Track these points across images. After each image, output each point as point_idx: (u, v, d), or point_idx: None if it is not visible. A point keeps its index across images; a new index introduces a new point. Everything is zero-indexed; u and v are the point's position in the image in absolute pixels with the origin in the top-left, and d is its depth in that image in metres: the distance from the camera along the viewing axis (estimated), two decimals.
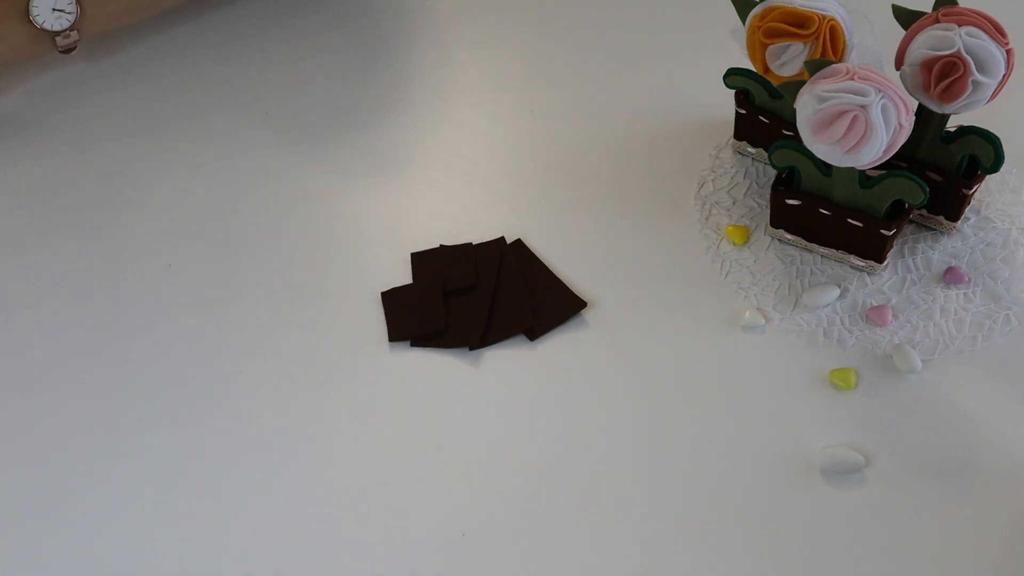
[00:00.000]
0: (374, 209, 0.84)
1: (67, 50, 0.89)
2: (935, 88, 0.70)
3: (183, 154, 0.89)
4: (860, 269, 0.78)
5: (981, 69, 0.69)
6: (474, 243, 0.81)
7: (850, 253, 0.77)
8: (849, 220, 0.74)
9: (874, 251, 0.76)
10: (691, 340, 0.75)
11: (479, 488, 0.68)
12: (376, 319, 0.77)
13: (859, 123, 0.66)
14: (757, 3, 0.74)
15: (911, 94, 0.71)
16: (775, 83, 0.75)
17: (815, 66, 0.68)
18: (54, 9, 0.86)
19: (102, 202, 0.86)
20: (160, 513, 0.68)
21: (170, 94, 0.94)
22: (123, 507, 0.68)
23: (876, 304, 0.76)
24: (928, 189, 0.70)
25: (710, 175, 0.85)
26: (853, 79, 0.66)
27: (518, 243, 0.81)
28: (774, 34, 0.72)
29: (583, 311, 0.77)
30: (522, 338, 0.76)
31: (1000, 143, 0.73)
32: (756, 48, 0.74)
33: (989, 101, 0.71)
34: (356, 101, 0.93)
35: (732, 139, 0.86)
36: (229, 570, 0.65)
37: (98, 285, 0.80)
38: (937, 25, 0.70)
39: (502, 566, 0.65)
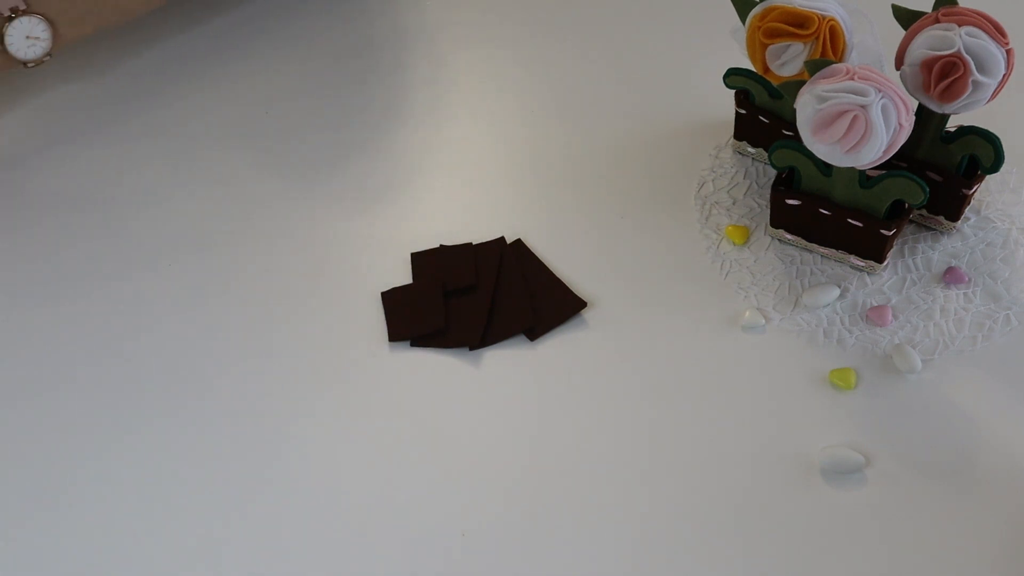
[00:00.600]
0: (374, 209, 0.84)
1: (37, 64, 0.87)
2: (935, 88, 0.70)
3: (183, 154, 0.89)
4: (860, 269, 0.78)
5: (981, 69, 0.69)
6: (474, 243, 0.81)
7: (850, 253, 0.77)
8: (849, 220, 0.74)
9: (874, 251, 0.76)
10: (691, 340, 0.75)
11: (479, 488, 0.68)
12: (376, 319, 0.77)
13: (859, 123, 0.66)
14: (757, 3, 0.74)
15: (911, 94, 0.71)
16: (775, 83, 0.75)
17: (815, 66, 0.68)
18: (27, 37, 0.84)
19: (102, 203, 0.86)
20: (160, 512, 0.68)
21: (172, 97, 0.94)
22: (123, 507, 0.68)
23: (876, 304, 0.76)
24: (928, 189, 0.70)
25: (710, 175, 0.85)
26: (853, 79, 0.66)
27: (518, 243, 0.81)
28: (774, 34, 0.72)
29: (583, 311, 0.77)
30: (522, 338, 0.76)
31: (1000, 143, 0.73)
32: (756, 48, 0.73)
33: (989, 101, 0.71)
34: (357, 102, 0.93)
35: (732, 139, 0.86)
36: (229, 569, 0.65)
37: (98, 285, 0.80)
38: (937, 25, 0.70)
39: (502, 566, 0.65)
